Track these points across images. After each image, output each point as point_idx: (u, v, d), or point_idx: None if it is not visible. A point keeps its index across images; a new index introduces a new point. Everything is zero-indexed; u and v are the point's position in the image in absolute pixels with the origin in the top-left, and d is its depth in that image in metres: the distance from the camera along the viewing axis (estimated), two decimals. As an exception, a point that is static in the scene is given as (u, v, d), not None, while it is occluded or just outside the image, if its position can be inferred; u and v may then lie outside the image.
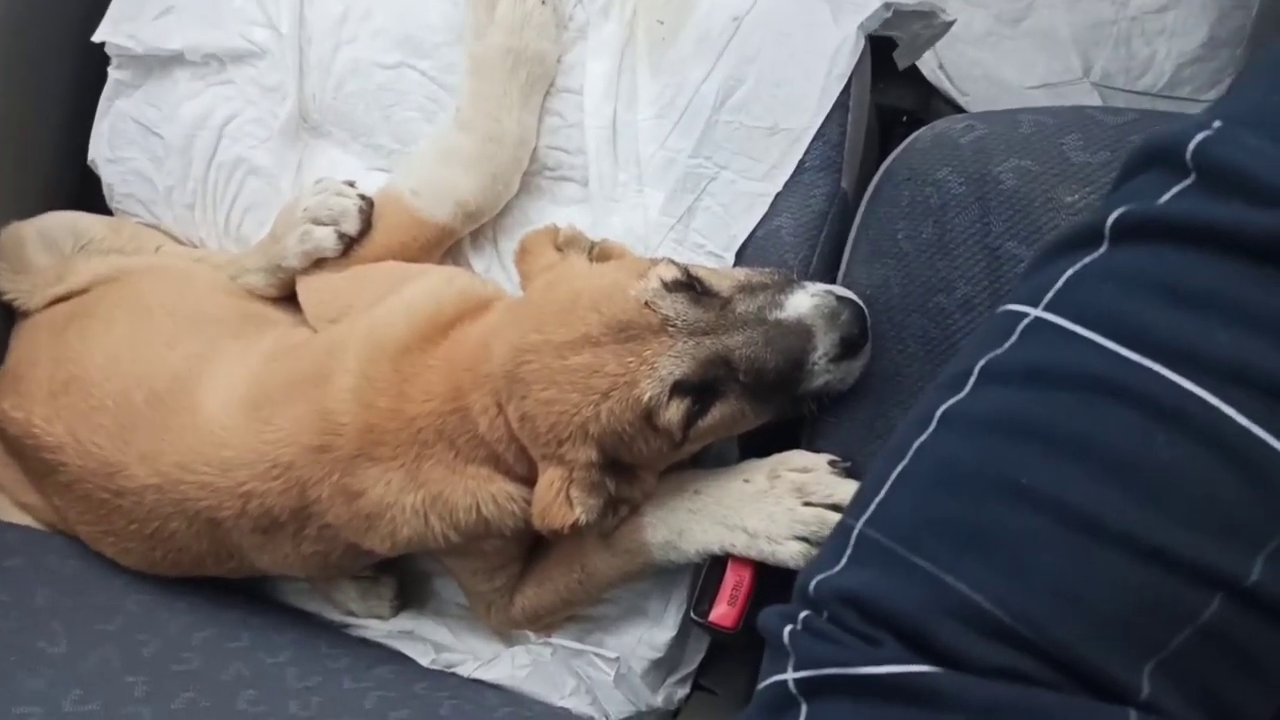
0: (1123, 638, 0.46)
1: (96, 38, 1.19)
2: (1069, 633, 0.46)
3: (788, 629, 0.55)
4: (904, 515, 0.54)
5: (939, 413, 0.55)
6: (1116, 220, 0.51)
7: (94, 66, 1.22)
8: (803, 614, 0.55)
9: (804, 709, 0.51)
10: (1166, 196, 0.50)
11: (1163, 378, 0.47)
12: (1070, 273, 0.52)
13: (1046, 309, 0.52)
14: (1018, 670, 0.46)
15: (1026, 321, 0.53)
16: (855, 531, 0.55)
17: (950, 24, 1.08)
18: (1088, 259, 0.52)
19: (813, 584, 0.55)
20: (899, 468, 0.55)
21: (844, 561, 0.55)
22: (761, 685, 0.55)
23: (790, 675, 0.52)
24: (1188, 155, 0.49)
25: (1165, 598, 0.46)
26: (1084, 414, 0.48)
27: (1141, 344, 0.48)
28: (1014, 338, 0.53)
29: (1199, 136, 0.49)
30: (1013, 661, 0.46)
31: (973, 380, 0.54)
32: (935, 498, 0.52)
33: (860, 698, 0.49)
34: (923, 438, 0.55)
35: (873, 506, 0.55)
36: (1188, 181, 0.49)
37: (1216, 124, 0.49)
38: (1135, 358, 0.48)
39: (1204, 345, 0.46)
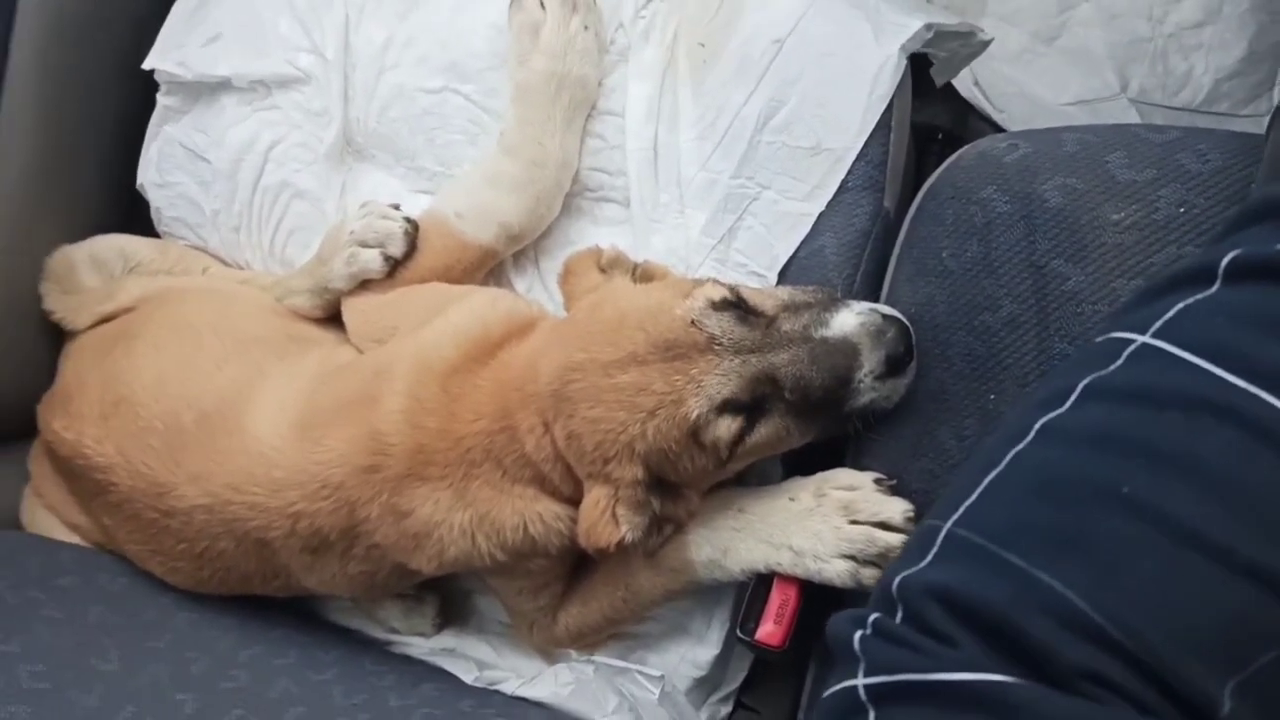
0: (1211, 650, 0.46)
1: (146, 65, 1.22)
2: (1160, 638, 0.46)
3: (858, 634, 0.55)
4: (997, 517, 0.54)
5: (1038, 425, 0.56)
6: (1231, 261, 0.53)
7: (143, 93, 1.25)
8: (873, 617, 0.55)
9: (872, 716, 0.51)
10: None
11: (1268, 403, 0.48)
12: (1181, 306, 0.54)
13: (1155, 336, 0.54)
14: (1102, 675, 0.46)
15: (1134, 347, 0.54)
16: (944, 531, 0.55)
17: (987, 42, 1.09)
18: (1200, 295, 0.53)
19: (896, 581, 0.55)
20: (992, 475, 0.56)
21: (930, 558, 0.55)
22: (828, 693, 0.54)
23: (860, 681, 0.52)
24: None
25: (1256, 615, 0.46)
26: (1190, 432, 0.49)
27: (1249, 371, 0.49)
28: (1120, 361, 0.55)
29: None
30: (1100, 665, 0.46)
31: (1074, 397, 0.55)
32: (1031, 503, 0.53)
33: (931, 705, 0.49)
34: (1019, 447, 0.56)
35: (962, 509, 0.55)
36: None
37: None
38: (1242, 384, 0.49)
39: None
